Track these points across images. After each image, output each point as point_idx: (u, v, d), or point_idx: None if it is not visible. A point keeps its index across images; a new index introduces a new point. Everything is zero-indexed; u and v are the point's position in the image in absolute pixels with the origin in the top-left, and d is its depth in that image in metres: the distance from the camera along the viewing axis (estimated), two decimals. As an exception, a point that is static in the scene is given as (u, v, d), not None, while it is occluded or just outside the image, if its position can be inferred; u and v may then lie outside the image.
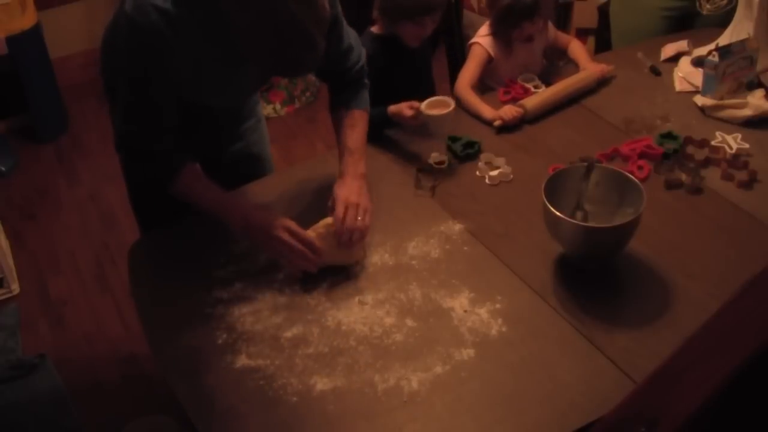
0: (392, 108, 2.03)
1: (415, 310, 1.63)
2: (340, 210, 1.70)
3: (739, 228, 1.79)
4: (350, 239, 1.69)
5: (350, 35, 1.85)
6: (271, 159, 2.17)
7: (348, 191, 1.74)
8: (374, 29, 2.16)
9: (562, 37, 2.44)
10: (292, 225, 1.65)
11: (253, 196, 1.95)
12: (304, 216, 1.75)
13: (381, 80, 2.07)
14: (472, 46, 2.32)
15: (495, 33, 2.29)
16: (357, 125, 1.85)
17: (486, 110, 2.16)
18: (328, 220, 1.72)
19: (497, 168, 1.96)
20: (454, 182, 1.95)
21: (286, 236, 1.64)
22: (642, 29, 2.63)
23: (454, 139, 2.04)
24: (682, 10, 2.54)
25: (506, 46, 2.30)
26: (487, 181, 1.95)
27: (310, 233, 1.68)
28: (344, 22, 1.81)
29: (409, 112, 1.99)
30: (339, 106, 1.88)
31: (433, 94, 2.29)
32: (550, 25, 2.41)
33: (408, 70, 2.21)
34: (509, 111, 2.12)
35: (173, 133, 1.71)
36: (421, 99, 1.99)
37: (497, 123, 2.11)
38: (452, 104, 1.95)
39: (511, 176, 1.96)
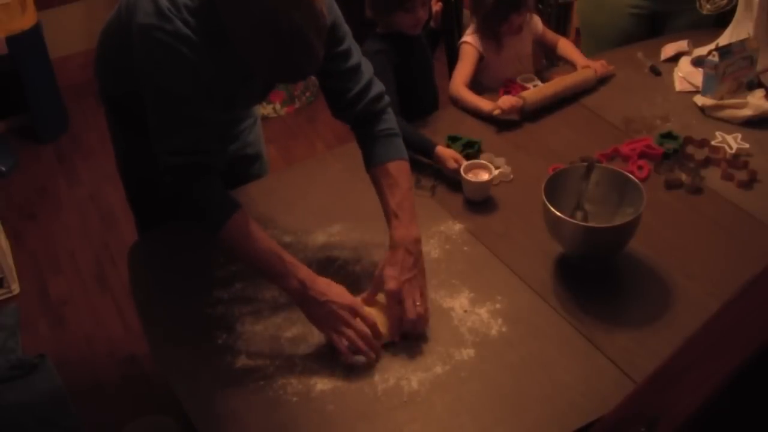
0: (439, 150, 1.96)
1: (415, 310, 1.63)
2: (391, 301, 1.53)
3: (739, 228, 1.79)
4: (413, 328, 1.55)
5: (361, 58, 1.70)
6: (266, 158, 2.17)
7: (398, 269, 1.55)
8: (378, 29, 2.16)
9: (550, 33, 2.44)
10: (358, 304, 1.52)
11: (253, 196, 1.95)
12: (305, 216, 1.74)
13: (397, 76, 2.07)
14: (462, 46, 2.32)
15: (483, 29, 2.29)
16: (397, 183, 1.63)
17: (483, 103, 2.16)
18: (381, 297, 1.57)
19: (497, 168, 1.96)
20: (454, 182, 1.95)
21: (347, 315, 1.49)
22: (610, 27, 2.61)
23: (454, 138, 2.04)
24: (651, 9, 2.52)
25: (496, 41, 2.30)
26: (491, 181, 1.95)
27: (372, 312, 1.54)
28: (354, 42, 1.70)
29: (453, 165, 1.93)
30: (371, 161, 1.68)
31: (435, 93, 2.29)
32: (537, 18, 2.41)
33: (419, 61, 2.20)
34: (508, 100, 2.12)
35: (221, 160, 1.61)
36: (428, 99, 1.98)
37: (496, 112, 2.11)
38: (492, 170, 1.89)
39: (511, 176, 1.96)
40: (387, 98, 1.72)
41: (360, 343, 1.49)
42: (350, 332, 1.49)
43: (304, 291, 1.51)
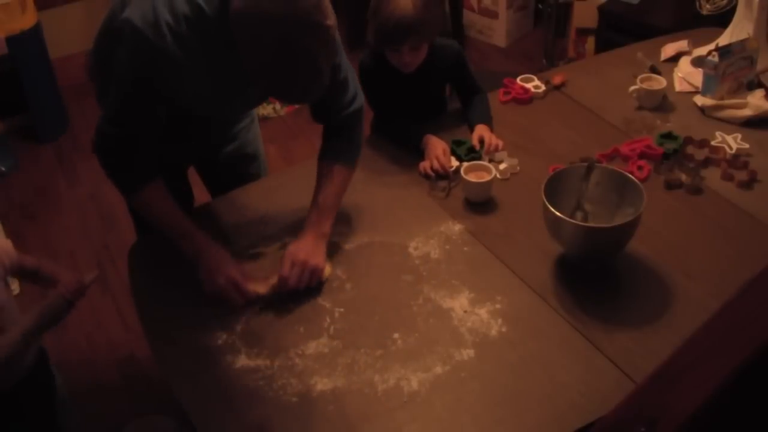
0: (423, 163, 1.98)
1: (415, 310, 1.63)
2: (286, 267, 1.65)
3: (739, 228, 1.79)
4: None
5: (349, 70, 1.78)
6: (265, 158, 2.17)
7: (299, 249, 1.67)
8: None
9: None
10: (238, 277, 1.64)
11: (253, 196, 1.95)
12: (305, 216, 1.75)
13: (392, 85, 2.07)
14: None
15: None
16: (334, 182, 1.76)
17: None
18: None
19: (500, 162, 1.96)
20: (457, 183, 1.95)
21: (227, 286, 1.63)
22: None
23: (458, 143, 2.04)
24: None
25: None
26: (498, 176, 1.95)
27: (256, 286, 1.66)
28: (344, 55, 1.75)
29: (430, 173, 1.96)
30: (325, 155, 1.80)
31: (438, 101, 2.27)
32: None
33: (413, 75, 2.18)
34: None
35: (153, 145, 1.67)
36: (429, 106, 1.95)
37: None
38: (492, 171, 1.90)
39: (518, 168, 1.97)
40: (362, 110, 1.82)
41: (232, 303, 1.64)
42: (225, 297, 1.64)
43: (197, 258, 1.66)
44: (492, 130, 2.06)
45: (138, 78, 1.56)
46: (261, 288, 1.66)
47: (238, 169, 2.05)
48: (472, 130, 2.08)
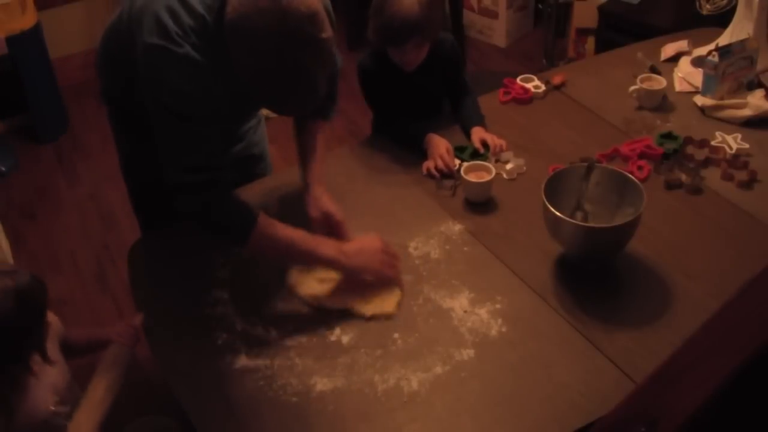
0: (427, 162, 1.98)
1: (415, 310, 1.63)
2: (314, 209, 1.72)
3: (739, 228, 1.79)
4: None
5: (336, 71, 1.82)
6: (270, 158, 2.17)
7: (331, 204, 1.73)
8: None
9: None
10: (387, 248, 1.67)
11: (254, 196, 1.95)
12: (305, 216, 1.75)
13: (394, 84, 2.07)
14: None
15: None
16: (318, 133, 1.85)
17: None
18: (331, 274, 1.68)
19: (506, 162, 1.97)
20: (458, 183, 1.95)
21: (383, 245, 1.66)
22: None
23: (461, 149, 2.03)
24: None
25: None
26: (505, 176, 1.95)
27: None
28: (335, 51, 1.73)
29: (434, 173, 1.96)
30: (301, 131, 1.88)
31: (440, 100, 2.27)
32: None
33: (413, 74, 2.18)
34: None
35: (228, 166, 1.67)
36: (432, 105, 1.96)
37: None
38: (493, 171, 1.90)
39: (525, 167, 1.97)
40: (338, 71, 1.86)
41: (393, 269, 1.66)
42: (389, 259, 1.66)
43: (339, 249, 1.63)
44: (486, 131, 2.06)
45: (182, 96, 1.50)
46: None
47: (245, 170, 2.06)
48: (466, 132, 2.08)
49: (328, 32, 1.45)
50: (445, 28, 2.23)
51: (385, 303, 1.63)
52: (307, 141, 1.83)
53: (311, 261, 1.66)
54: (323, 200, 1.74)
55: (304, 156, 1.82)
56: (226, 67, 1.49)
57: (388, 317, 1.61)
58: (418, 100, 2.14)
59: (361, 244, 1.66)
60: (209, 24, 1.49)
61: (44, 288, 1.46)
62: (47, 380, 1.52)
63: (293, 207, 1.88)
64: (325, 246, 1.63)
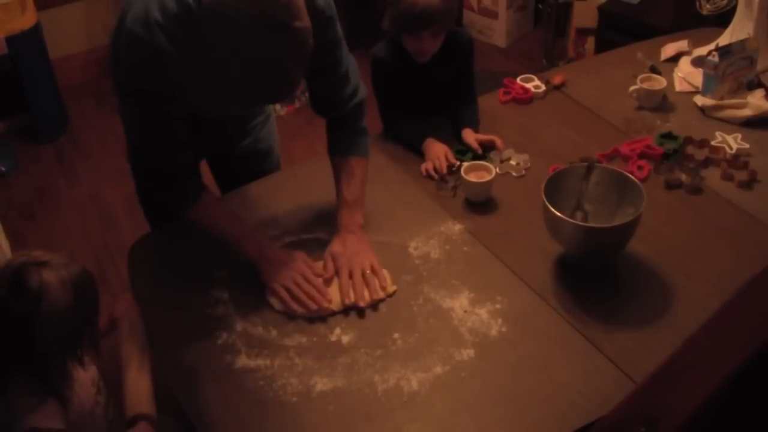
0: (425, 164, 1.99)
1: (415, 310, 1.63)
2: (328, 264, 1.69)
3: (739, 228, 1.79)
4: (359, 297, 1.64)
5: (350, 62, 1.79)
6: (278, 154, 2.17)
7: (345, 246, 1.71)
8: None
9: None
10: (309, 272, 1.66)
11: (254, 195, 1.95)
12: (304, 216, 1.75)
13: (404, 78, 2.08)
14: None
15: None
16: (355, 174, 1.79)
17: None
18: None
19: (508, 158, 1.98)
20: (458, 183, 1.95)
21: (303, 266, 1.65)
22: None
23: (462, 152, 2.03)
24: None
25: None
26: (513, 174, 1.96)
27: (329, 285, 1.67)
28: (345, 48, 1.76)
29: (432, 173, 1.97)
30: (337, 150, 1.83)
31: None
32: None
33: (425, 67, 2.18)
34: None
35: (189, 150, 1.68)
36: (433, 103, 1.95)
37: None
38: (493, 171, 1.90)
39: (530, 163, 1.98)
40: (365, 101, 1.84)
41: (310, 293, 1.62)
42: (301, 280, 1.64)
43: (260, 255, 1.67)
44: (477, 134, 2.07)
45: (140, 80, 1.56)
46: (334, 305, 1.63)
47: (251, 165, 2.06)
48: (457, 132, 2.08)
49: (303, 21, 1.43)
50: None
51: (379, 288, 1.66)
52: (340, 180, 1.80)
53: (237, 251, 1.70)
54: (335, 248, 1.72)
55: (340, 198, 1.79)
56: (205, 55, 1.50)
57: (387, 318, 1.61)
58: (428, 93, 2.15)
59: (292, 261, 1.67)
60: (194, 11, 1.49)
61: (94, 279, 1.45)
62: (90, 371, 1.53)
63: (293, 207, 1.89)
64: (251, 243, 1.69)
